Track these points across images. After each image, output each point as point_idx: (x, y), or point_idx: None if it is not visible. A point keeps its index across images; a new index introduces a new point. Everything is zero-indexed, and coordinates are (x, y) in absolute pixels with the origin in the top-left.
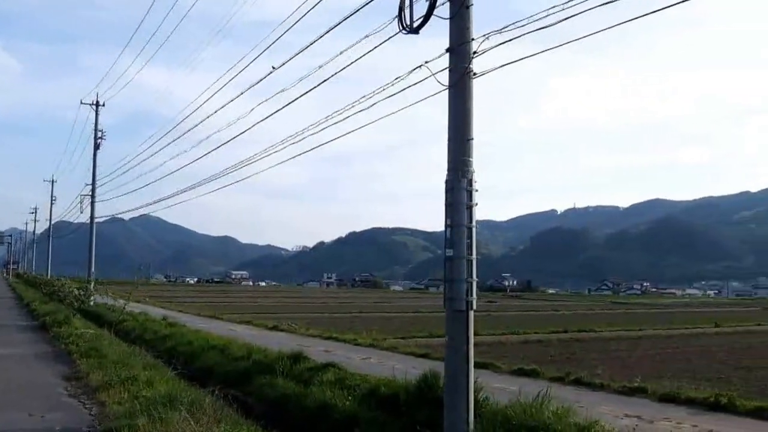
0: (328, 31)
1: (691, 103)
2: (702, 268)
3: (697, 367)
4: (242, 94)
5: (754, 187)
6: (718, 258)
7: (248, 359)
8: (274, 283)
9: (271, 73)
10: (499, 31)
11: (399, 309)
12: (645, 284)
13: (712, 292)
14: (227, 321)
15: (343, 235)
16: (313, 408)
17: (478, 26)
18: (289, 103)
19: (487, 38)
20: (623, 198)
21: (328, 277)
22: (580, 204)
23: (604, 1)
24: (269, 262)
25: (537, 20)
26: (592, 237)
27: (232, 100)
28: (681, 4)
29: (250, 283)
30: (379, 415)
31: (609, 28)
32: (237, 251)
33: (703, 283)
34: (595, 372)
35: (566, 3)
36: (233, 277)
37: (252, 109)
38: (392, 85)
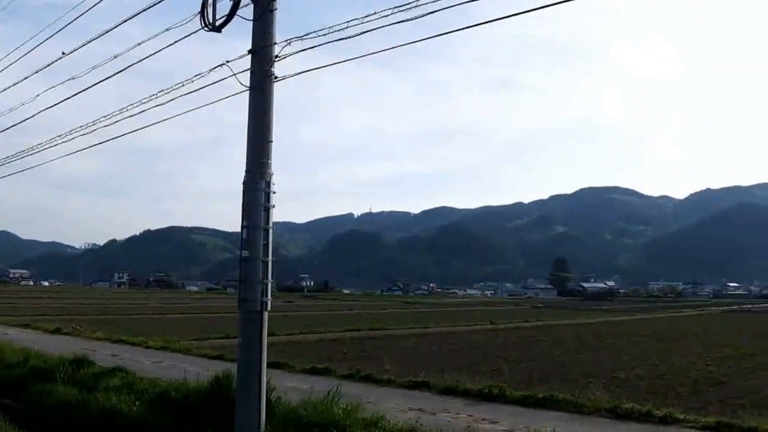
0: (126, 20)
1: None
2: (481, 270)
3: (475, 360)
4: (27, 78)
5: (526, 199)
6: (496, 261)
7: (24, 366)
8: (58, 283)
9: (61, 58)
10: (301, 38)
11: (194, 310)
12: (431, 285)
13: (489, 292)
14: (1, 324)
15: (138, 233)
16: (97, 415)
17: (285, 31)
18: (82, 90)
19: (289, 43)
20: (415, 204)
21: (119, 277)
22: (376, 209)
23: (399, 20)
24: (54, 260)
25: (337, 30)
26: (386, 240)
27: (16, 83)
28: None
29: (31, 283)
30: (169, 419)
31: (406, 44)
32: (16, 248)
33: (482, 284)
34: (384, 368)
35: (365, 18)
36: (11, 275)
37: (38, 95)
38: (192, 81)
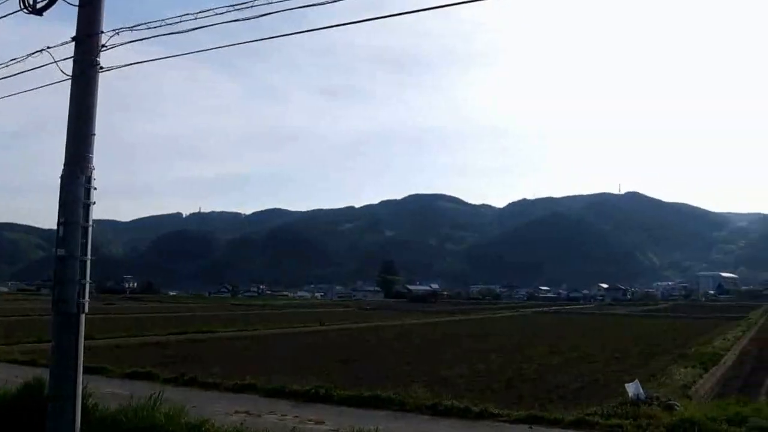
0: None
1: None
2: (313, 273)
3: (303, 362)
4: None
5: (357, 204)
6: (327, 264)
7: None
8: None
9: None
10: (131, 29)
11: (4, 312)
12: (261, 287)
13: (319, 294)
14: None
15: None
16: None
17: (114, 20)
18: None
19: (118, 33)
20: (246, 205)
21: None
22: (206, 208)
23: (234, 19)
24: None
25: (170, 24)
26: (216, 241)
27: None
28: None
29: None
30: None
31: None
32: None
33: (312, 286)
34: (211, 371)
35: (198, 13)
36: None
37: None
38: (7, 66)
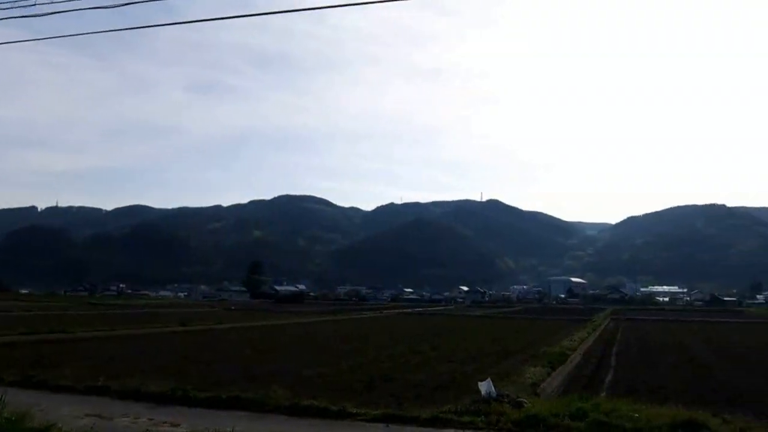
0: None
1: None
2: (178, 272)
3: (162, 363)
4: None
5: (225, 203)
6: (192, 263)
7: None
8: None
9: None
10: None
11: None
12: (122, 286)
13: (182, 294)
14: None
15: None
16: None
17: None
18: None
19: None
20: (107, 201)
21: None
22: (63, 203)
23: (95, 6)
24: None
25: (24, 6)
26: (74, 237)
27: None
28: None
29: None
30: None
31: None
32: None
33: (176, 285)
34: (62, 373)
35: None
36: None
37: None
38: None
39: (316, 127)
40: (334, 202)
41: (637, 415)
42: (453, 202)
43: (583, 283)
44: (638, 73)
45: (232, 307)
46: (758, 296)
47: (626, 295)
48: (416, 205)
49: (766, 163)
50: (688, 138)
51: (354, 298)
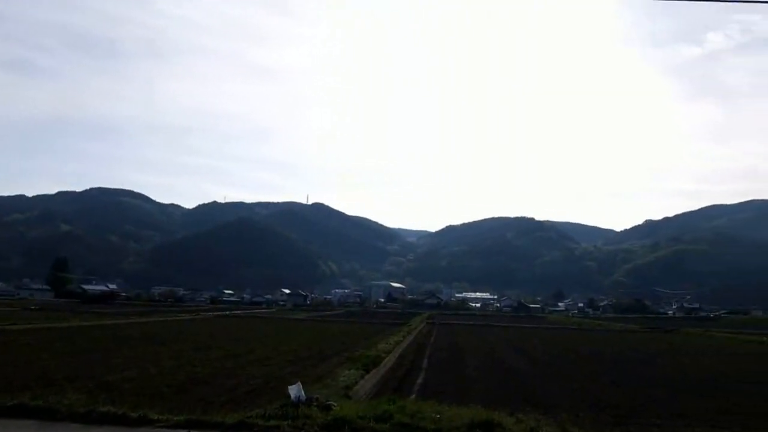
0: None
1: None
2: None
3: None
4: None
5: (30, 193)
6: None
7: None
8: None
9: None
10: None
11: None
12: None
13: None
14: None
15: None
16: None
17: None
18: None
19: None
20: None
21: None
22: None
23: None
24: None
25: None
26: None
27: None
28: None
29: None
30: None
31: None
32: None
33: None
34: None
35: None
36: None
37: None
38: None
39: (139, 118)
40: (153, 197)
41: (439, 416)
42: (279, 203)
43: (402, 288)
44: (461, 89)
45: (33, 307)
46: (559, 304)
47: (442, 300)
48: (240, 204)
49: (570, 182)
50: (503, 154)
51: (170, 300)
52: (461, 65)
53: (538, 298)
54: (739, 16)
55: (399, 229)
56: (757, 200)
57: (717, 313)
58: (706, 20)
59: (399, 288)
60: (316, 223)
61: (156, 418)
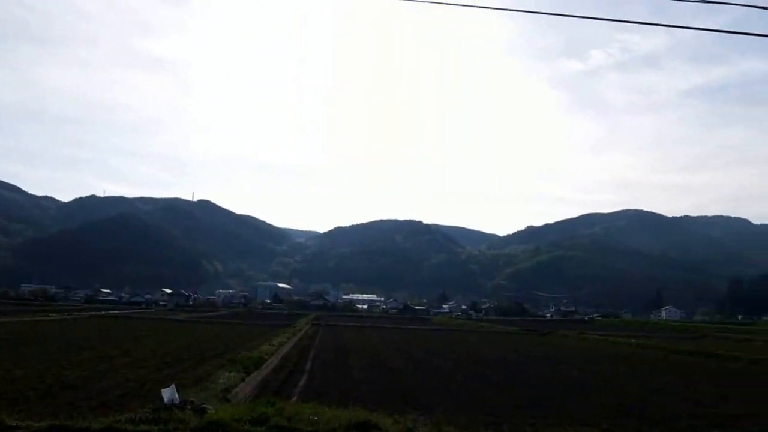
0: None
1: None
2: None
3: None
4: None
5: None
6: None
7: None
8: None
9: None
10: None
11: None
12: None
13: None
14: None
15: None
16: None
17: None
18: None
19: None
20: None
21: None
22: None
23: None
24: None
25: None
26: None
27: None
28: None
29: None
30: None
31: None
32: None
33: None
34: None
35: None
36: None
37: None
38: None
39: (14, 105)
40: (26, 189)
41: (316, 418)
42: (163, 199)
43: (289, 288)
44: (350, 89)
45: None
46: (444, 306)
47: (329, 301)
48: (121, 199)
49: (458, 187)
50: (393, 157)
51: (41, 299)
52: (349, 64)
53: (424, 300)
54: (621, 36)
55: (288, 229)
56: (631, 210)
57: (591, 316)
58: (589, 37)
59: (286, 289)
60: (201, 221)
61: (15, 424)
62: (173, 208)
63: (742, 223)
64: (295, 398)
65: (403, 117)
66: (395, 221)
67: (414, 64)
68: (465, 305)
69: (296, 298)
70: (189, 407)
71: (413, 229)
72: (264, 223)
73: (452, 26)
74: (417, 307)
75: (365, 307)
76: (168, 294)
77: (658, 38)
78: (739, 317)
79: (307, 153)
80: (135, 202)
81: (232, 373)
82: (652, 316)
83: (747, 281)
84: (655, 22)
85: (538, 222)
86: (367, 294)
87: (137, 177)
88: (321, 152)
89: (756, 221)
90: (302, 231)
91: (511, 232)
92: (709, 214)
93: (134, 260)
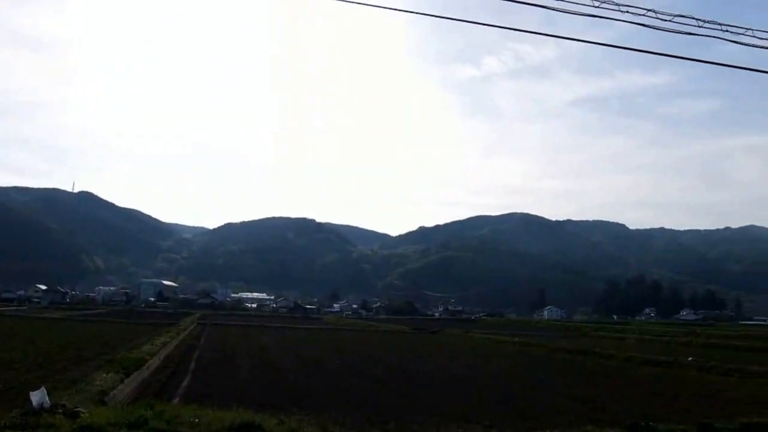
0: None
1: None
2: None
3: None
4: None
5: None
6: None
7: None
8: None
9: None
10: None
11: None
12: None
13: None
14: None
15: None
16: None
17: None
18: None
19: None
20: None
21: None
22: None
23: None
24: None
25: None
26: None
27: None
28: None
29: None
30: None
31: None
32: None
33: None
34: None
35: None
36: None
37: None
38: None
39: None
40: None
41: (197, 420)
42: (40, 189)
43: (174, 286)
44: (244, 82)
45: None
46: (335, 305)
47: (217, 300)
48: None
49: (351, 186)
50: (286, 154)
51: None
52: (239, 56)
53: (315, 300)
54: (514, 45)
55: (174, 225)
56: (518, 213)
57: (478, 315)
58: (484, 45)
59: (171, 286)
60: (81, 214)
61: None
62: (51, 198)
63: (619, 228)
64: (177, 400)
65: (296, 114)
66: (287, 219)
67: (309, 61)
68: (356, 304)
69: (182, 296)
70: (60, 411)
71: (305, 227)
72: (149, 217)
73: (351, 25)
74: (307, 307)
75: (254, 306)
76: (42, 290)
77: (549, 49)
78: (615, 317)
79: (197, 146)
80: (9, 192)
81: (110, 375)
82: (535, 315)
83: (622, 283)
84: (547, 33)
85: (430, 223)
86: (256, 293)
87: (12, 165)
88: (211, 146)
89: (632, 226)
90: (190, 227)
91: (403, 233)
92: (589, 219)
93: (6, 254)
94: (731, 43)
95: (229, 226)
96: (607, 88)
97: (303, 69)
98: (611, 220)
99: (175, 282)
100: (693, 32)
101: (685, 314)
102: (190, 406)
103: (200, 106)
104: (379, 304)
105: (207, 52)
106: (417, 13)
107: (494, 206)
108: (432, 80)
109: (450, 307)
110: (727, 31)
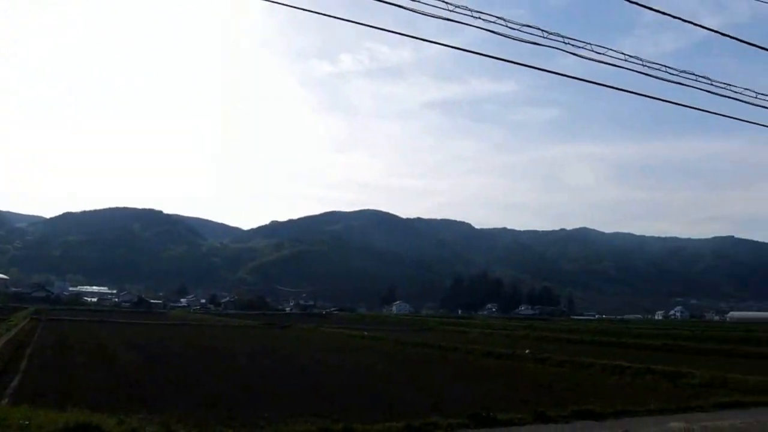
0: None
1: None
2: None
3: None
4: None
5: None
6: None
7: None
8: None
9: None
10: None
11: None
12: None
13: None
14: None
15: None
16: None
17: None
18: None
19: None
20: None
21: None
22: None
23: None
24: None
25: None
26: None
27: None
28: None
29: None
30: None
31: None
32: None
33: None
34: None
35: None
36: None
37: None
38: None
39: None
40: None
41: (27, 422)
42: None
43: (5, 279)
44: (114, 70)
45: None
46: (182, 300)
47: (53, 293)
48: None
49: (202, 178)
50: (132, 142)
51: None
52: (94, 41)
53: (161, 294)
54: (370, 44)
55: (6, 212)
56: (369, 210)
57: (329, 310)
58: (341, 42)
59: (2, 279)
60: None
61: None
62: None
63: (465, 227)
64: (5, 401)
65: (148, 104)
66: (133, 209)
67: (168, 48)
68: (204, 299)
69: (14, 289)
70: None
71: (152, 218)
72: None
73: (212, 17)
74: (153, 301)
75: (95, 300)
76: None
77: (405, 51)
78: (460, 311)
79: (37, 131)
80: None
81: None
82: (385, 310)
83: (467, 279)
84: (401, 32)
85: (282, 217)
86: (97, 286)
87: None
88: (54, 130)
89: (477, 226)
90: (24, 215)
91: (255, 226)
92: (438, 218)
93: None
94: (571, 55)
95: (68, 216)
96: (459, 92)
97: (159, 58)
98: (459, 219)
99: (6, 275)
100: (538, 42)
101: (524, 309)
102: (20, 407)
103: (45, 90)
104: (228, 298)
105: (42, 26)
106: (272, 1)
107: (347, 202)
108: (287, 75)
109: (302, 302)
110: (568, 43)
